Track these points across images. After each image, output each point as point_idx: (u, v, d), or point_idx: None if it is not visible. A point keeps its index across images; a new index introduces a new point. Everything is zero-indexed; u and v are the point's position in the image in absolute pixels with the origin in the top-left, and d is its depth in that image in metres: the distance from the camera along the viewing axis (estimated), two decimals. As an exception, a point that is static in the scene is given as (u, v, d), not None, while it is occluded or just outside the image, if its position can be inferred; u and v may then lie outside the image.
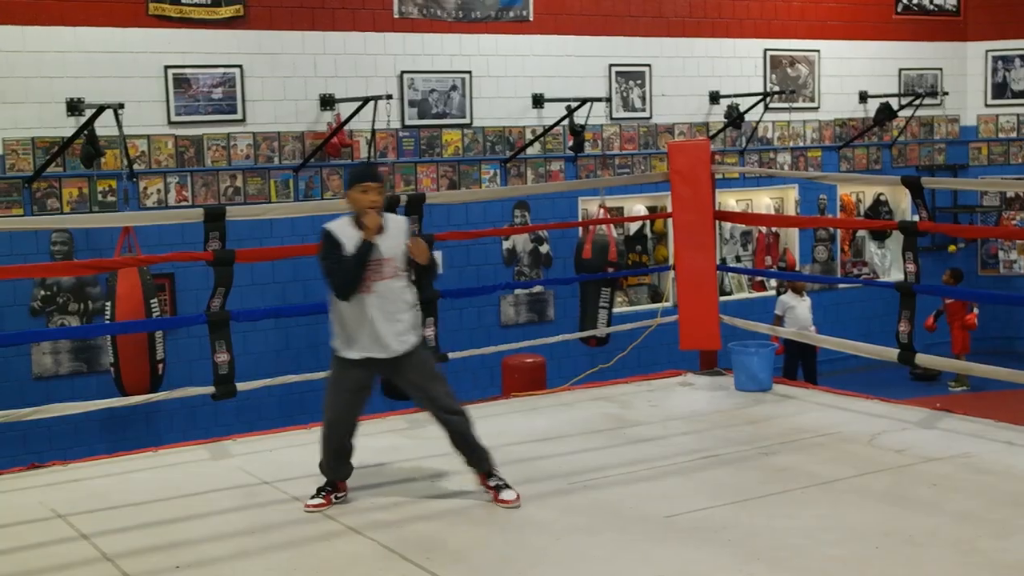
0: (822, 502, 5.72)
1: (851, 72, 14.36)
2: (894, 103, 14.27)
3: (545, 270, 12.39)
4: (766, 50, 13.75)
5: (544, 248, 12.40)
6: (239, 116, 10.70)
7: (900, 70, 14.78)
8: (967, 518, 5.42)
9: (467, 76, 11.79)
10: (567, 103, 11.89)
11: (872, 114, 14.32)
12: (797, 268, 13.95)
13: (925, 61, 14.96)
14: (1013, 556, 4.95)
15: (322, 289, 10.87)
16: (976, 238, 15.40)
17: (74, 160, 9.90)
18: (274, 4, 10.80)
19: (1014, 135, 15.31)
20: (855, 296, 14.06)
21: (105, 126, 9.59)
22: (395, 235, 5.71)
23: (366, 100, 10.66)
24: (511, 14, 12.05)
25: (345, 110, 10.83)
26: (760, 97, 13.18)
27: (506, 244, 12.19)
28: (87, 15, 10.00)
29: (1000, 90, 15.31)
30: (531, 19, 12.15)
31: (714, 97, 13.34)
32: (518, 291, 12.14)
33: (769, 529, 5.32)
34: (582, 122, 11.91)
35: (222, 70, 10.62)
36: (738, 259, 13.95)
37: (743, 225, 13.85)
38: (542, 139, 12.18)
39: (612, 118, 12.71)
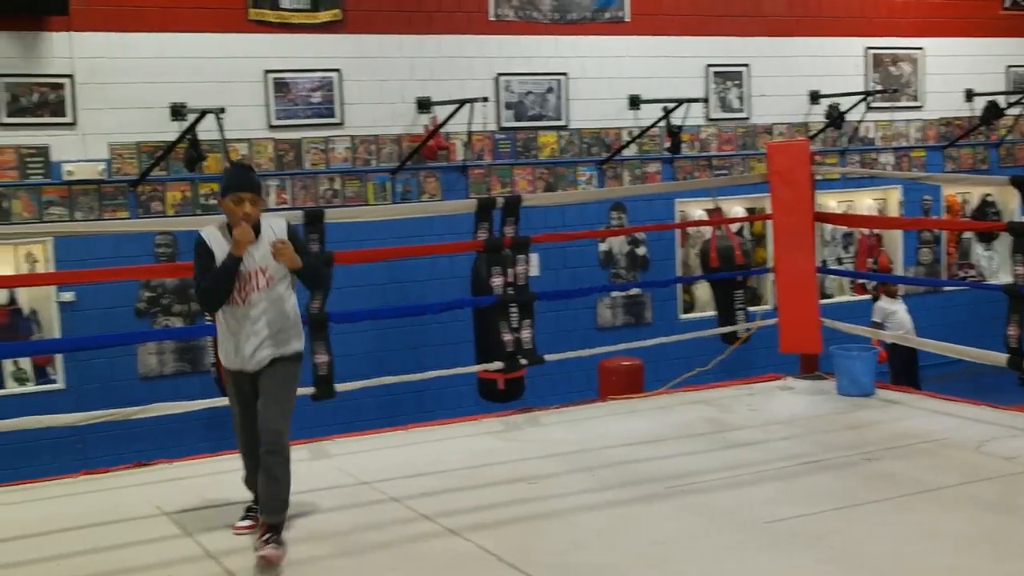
0: (928, 510, 5.58)
1: (956, 70, 14.03)
2: (1001, 101, 13.91)
3: (642, 272, 12.31)
4: (868, 48, 13.50)
5: (641, 250, 12.32)
6: (337, 119, 10.81)
7: (1008, 67, 14.40)
8: (1081, 528, 5.25)
9: (563, 78, 11.76)
10: (664, 104, 11.81)
11: (978, 112, 13.98)
12: (891, 270, 13.68)
13: (1034, 57, 14.58)
14: None
15: (419, 290, 10.92)
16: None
17: (177, 164, 10.10)
18: (371, 8, 10.89)
19: None
20: (961, 299, 13.73)
21: (207, 130, 9.76)
22: (269, 242, 5.21)
23: (462, 103, 10.69)
24: (607, 15, 12.00)
25: (441, 113, 10.88)
26: (861, 96, 12.96)
27: (602, 246, 12.14)
28: (190, 22, 10.19)
29: (1113, 87, 14.83)
30: (627, 20, 12.08)
31: (814, 97, 13.14)
32: (615, 293, 12.08)
33: (873, 537, 5.21)
34: (679, 123, 11.82)
35: (320, 74, 10.74)
36: (839, 261, 13.73)
37: (844, 227, 13.61)
38: (639, 140, 12.11)
39: (710, 119, 12.60)
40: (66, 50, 9.83)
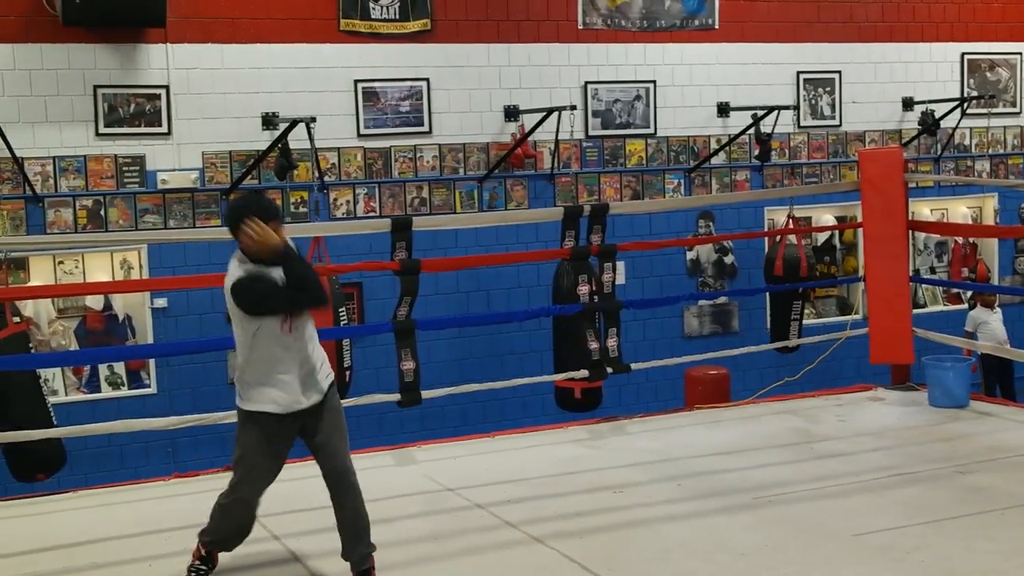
0: (1023, 525, 5.45)
1: (1055, 75, 13.70)
2: (1102, 107, 13.56)
3: (730, 281, 12.21)
4: (963, 54, 13.24)
5: (729, 259, 12.21)
6: (425, 128, 10.88)
7: (1109, 72, 14.03)
8: None
9: (651, 86, 11.72)
10: (753, 111, 11.70)
11: (1079, 119, 13.63)
12: (989, 279, 13.39)
13: None
14: None
15: (504, 299, 10.93)
16: None
17: (268, 172, 10.25)
18: (460, 18, 10.96)
19: None
20: (1059, 310, 13.39)
21: (298, 139, 9.89)
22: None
23: (550, 111, 10.70)
24: (696, 23, 11.93)
25: (529, 121, 10.90)
26: (957, 103, 12.71)
27: (690, 255, 12.06)
28: (282, 32, 10.34)
29: None
30: (716, 27, 11.99)
31: (907, 103, 12.92)
32: (702, 302, 11.99)
33: (966, 552, 5.10)
34: (769, 130, 11.71)
35: (409, 83, 10.83)
36: (932, 270, 13.48)
37: (938, 235, 13.37)
38: (727, 148, 12.01)
39: (800, 126, 12.45)
40: (162, 62, 10.03)
